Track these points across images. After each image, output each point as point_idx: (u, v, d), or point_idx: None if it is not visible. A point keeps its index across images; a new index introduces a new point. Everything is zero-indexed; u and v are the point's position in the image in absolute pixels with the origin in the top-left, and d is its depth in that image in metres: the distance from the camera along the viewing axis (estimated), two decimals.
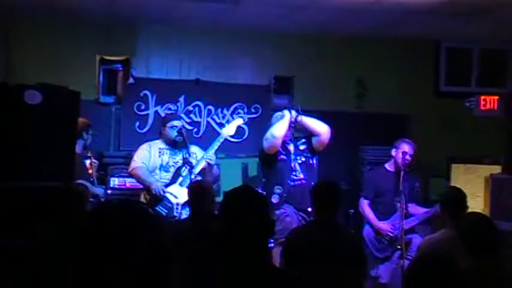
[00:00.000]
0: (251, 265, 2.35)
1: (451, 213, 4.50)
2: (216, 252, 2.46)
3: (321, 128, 5.71)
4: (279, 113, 5.80)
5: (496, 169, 6.76)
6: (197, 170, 5.67)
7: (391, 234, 5.95)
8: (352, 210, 6.66)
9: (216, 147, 5.86)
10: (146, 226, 1.39)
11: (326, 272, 3.85)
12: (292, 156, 5.68)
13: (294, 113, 5.70)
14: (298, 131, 5.82)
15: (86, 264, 1.35)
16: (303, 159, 5.72)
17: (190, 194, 4.72)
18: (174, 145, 5.84)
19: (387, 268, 6.04)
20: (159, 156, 5.84)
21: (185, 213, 5.55)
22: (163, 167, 5.82)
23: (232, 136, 6.16)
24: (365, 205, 6.21)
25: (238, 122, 6.16)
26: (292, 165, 5.66)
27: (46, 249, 2.40)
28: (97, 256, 1.34)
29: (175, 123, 5.93)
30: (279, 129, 5.63)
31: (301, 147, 5.76)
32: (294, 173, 5.65)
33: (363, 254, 4.44)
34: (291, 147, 5.72)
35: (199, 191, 4.63)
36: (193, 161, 5.70)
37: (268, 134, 5.68)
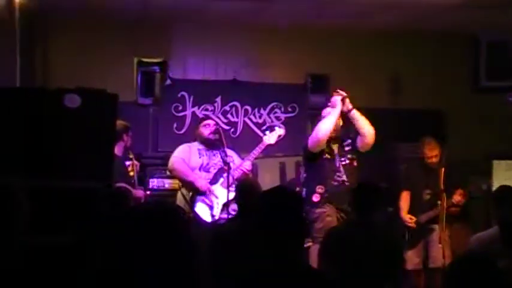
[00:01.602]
0: (284, 264, 2.37)
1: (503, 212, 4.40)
2: (251, 250, 2.48)
3: (368, 129, 5.64)
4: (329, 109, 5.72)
5: None
6: (235, 176, 5.72)
7: (408, 225, 6.15)
8: (390, 209, 6.62)
9: (255, 155, 5.92)
10: (175, 229, 1.41)
11: (360, 273, 3.83)
12: (337, 158, 5.65)
13: (347, 101, 5.64)
14: (346, 129, 5.77)
15: (113, 263, 1.38)
16: (347, 161, 5.68)
17: (238, 191, 4.73)
18: (211, 145, 5.89)
19: (411, 255, 6.09)
20: (200, 157, 5.89)
21: (224, 213, 5.59)
22: (204, 168, 5.87)
23: (271, 144, 6.18)
24: (402, 196, 6.32)
25: (280, 132, 6.20)
26: (337, 165, 5.62)
27: (79, 247, 2.46)
28: (125, 257, 1.37)
29: (208, 121, 6.07)
30: (324, 127, 5.55)
31: (346, 148, 5.72)
32: (338, 174, 5.62)
33: (399, 256, 4.38)
34: (335, 148, 5.70)
35: (247, 187, 4.63)
36: (232, 165, 5.76)
37: (314, 133, 5.65)
